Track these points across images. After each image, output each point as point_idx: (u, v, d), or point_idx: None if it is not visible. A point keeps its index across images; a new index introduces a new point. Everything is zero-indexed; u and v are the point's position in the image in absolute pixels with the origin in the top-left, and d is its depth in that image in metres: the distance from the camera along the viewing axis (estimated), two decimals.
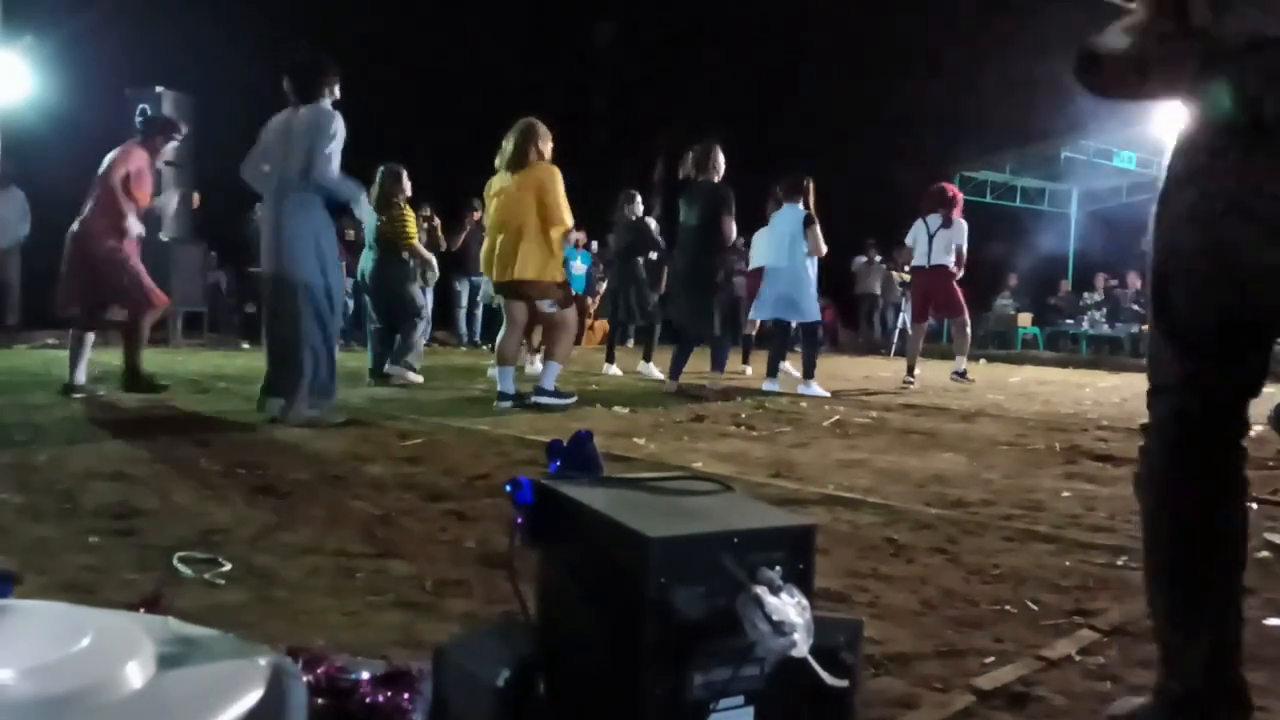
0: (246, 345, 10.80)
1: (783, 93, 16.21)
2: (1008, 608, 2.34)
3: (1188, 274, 1.58)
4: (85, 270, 5.78)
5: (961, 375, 8.89)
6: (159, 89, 10.78)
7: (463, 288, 12.77)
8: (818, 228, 7.67)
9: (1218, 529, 1.62)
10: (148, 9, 11.56)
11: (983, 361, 13.23)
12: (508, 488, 1.40)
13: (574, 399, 6.09)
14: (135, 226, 5.92)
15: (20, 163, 10.26)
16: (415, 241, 7.51)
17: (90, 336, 5.94)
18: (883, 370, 11.03)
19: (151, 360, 8.17)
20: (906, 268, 14.99)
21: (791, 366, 8.56)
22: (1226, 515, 1.62)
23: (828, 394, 7.41)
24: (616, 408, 6.06)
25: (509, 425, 5.08)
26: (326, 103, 5.05)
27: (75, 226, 5.80)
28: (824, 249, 7.84)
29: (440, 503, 3.23)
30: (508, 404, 5.95)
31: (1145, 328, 1.88)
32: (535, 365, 6.48)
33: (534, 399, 5.90)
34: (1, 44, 8.89)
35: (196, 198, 8.49)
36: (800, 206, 7.71)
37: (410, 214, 7.51)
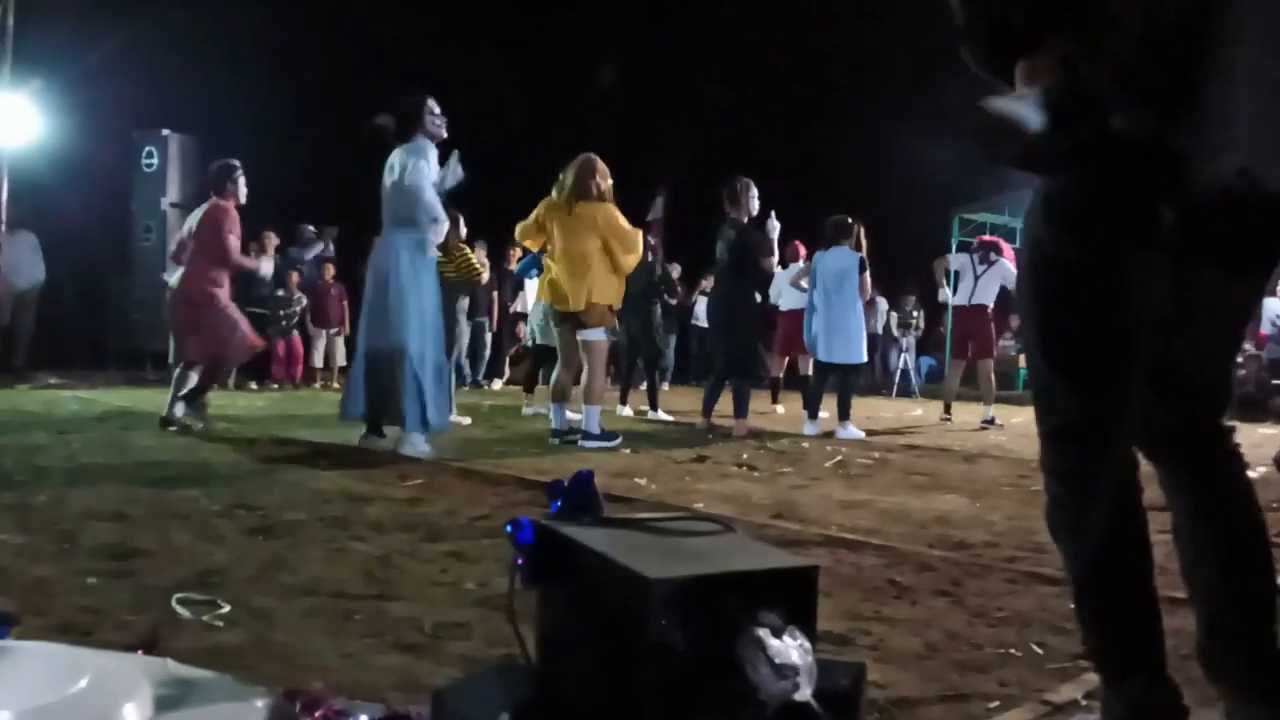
0: (255, 386, 10.80)
1: (781, 133, 16.33)
2: (1012, 651, 2.32)
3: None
4: (190, 319, 6.40)
5: (991, 422, 8.75)
6: (164, 132, 10.88)
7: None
8: (868, 274, 7.88)
9: (1141, 554, 1.66)
10: (154, 52, 11.70)
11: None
12: (508, 528, 1.40)
13: (619, 439, 6.14)
14: (263, 266, 7.50)
15: (28, 205, 10.33)
16: (484, 280, 8.07)
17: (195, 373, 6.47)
18: (884, 411, 11.01)
19: (149, 399, 8.19)
20: (899, 297, 15.03)
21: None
22: (1144, 541, 1.66)
23: (863, 435, 7.43)
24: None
25: (509, 465, 5.08)
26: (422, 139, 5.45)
27: (175, 285, 6.51)
28: (869, 295, 8.18)
29: (440, 543, 3.21)
30: (559, 441, 6.15)
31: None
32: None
33: (581, 444, 6.00)
34: (10, 87, 8.99)
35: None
36: (848, 248, 7.85)
37: (471, 254, 7.79)
